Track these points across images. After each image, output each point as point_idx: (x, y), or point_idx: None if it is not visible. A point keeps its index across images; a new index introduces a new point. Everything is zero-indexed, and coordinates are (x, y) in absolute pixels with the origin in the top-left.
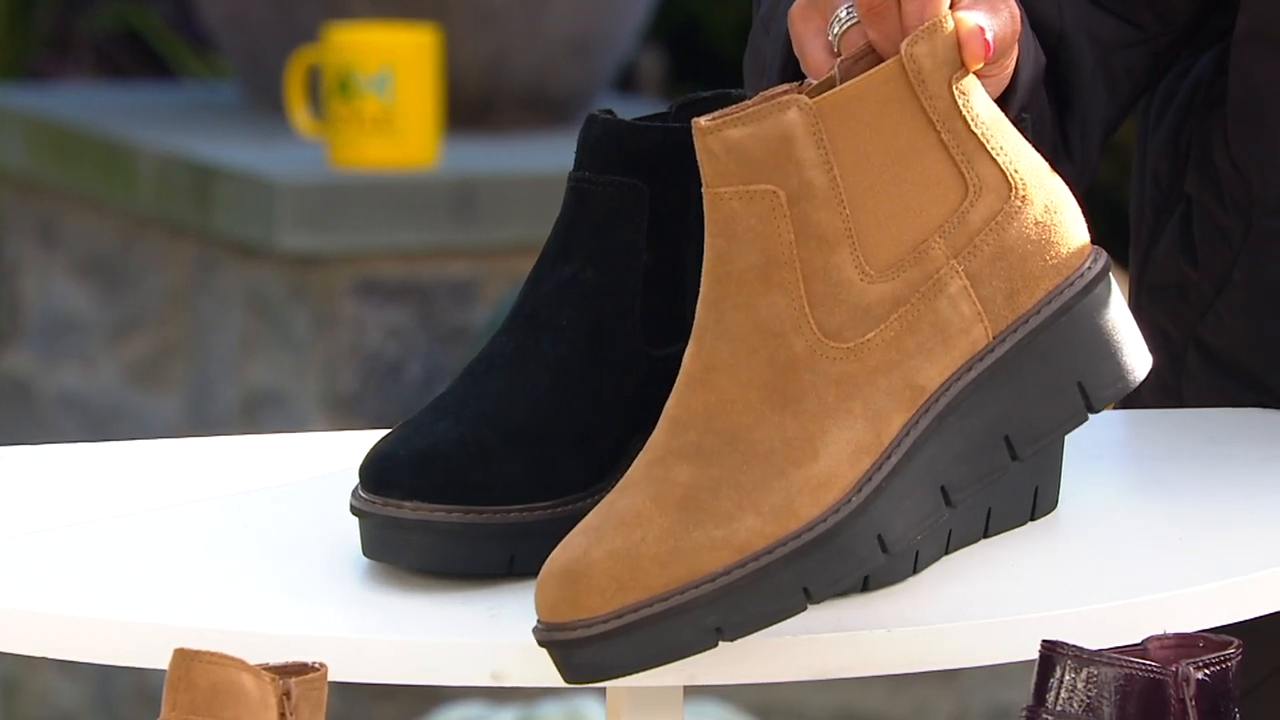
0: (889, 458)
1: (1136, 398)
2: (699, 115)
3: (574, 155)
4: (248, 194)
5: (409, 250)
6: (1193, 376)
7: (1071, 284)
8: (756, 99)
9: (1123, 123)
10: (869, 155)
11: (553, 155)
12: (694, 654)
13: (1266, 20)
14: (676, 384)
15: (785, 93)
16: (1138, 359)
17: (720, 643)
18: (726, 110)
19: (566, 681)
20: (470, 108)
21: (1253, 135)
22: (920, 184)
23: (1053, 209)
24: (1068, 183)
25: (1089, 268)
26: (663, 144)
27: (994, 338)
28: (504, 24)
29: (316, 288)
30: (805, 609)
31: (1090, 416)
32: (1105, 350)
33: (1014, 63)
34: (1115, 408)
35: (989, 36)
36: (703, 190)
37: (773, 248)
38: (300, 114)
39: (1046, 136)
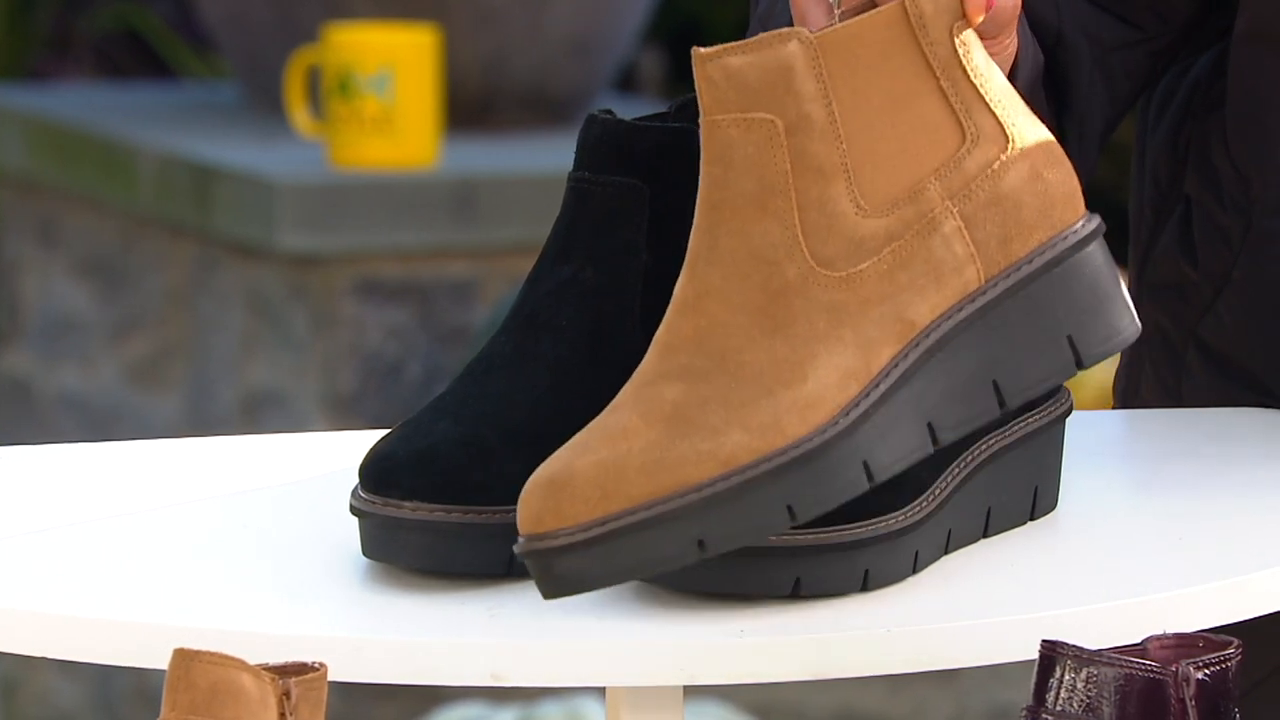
0: (877, 386)
1: (1136, 397)
2: (698, 115)
3: (574, 155)
4: (248, 194)
5: (409, 250)
6: (1192, 376)
7: (1065, 238)
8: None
9: (1120, 122)
10: (868, 95)
11: (552, 155)
12: (675, 566)
13: (1266, 21)
14: (668, 312)
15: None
16: (1127, 322)
17: (701, 557)
18: (729, 43)
19: (545, 595)
20: (470, 108)
21: (1252, 136)
22: (918, 127)
23: (1048, 165)
24: None
25: (1083, 225)
26: (662, 144)
27: (986, 280)
28: (504, 24)
29: (316, 288)
30: (788, 526)
31: (1078, 372)
32: (1096, 307)
33: (1015, 47)
34: (1115, 407)
35: None
36: (700, 120)
37: (768, 176)
38: (300, 114)
39: None
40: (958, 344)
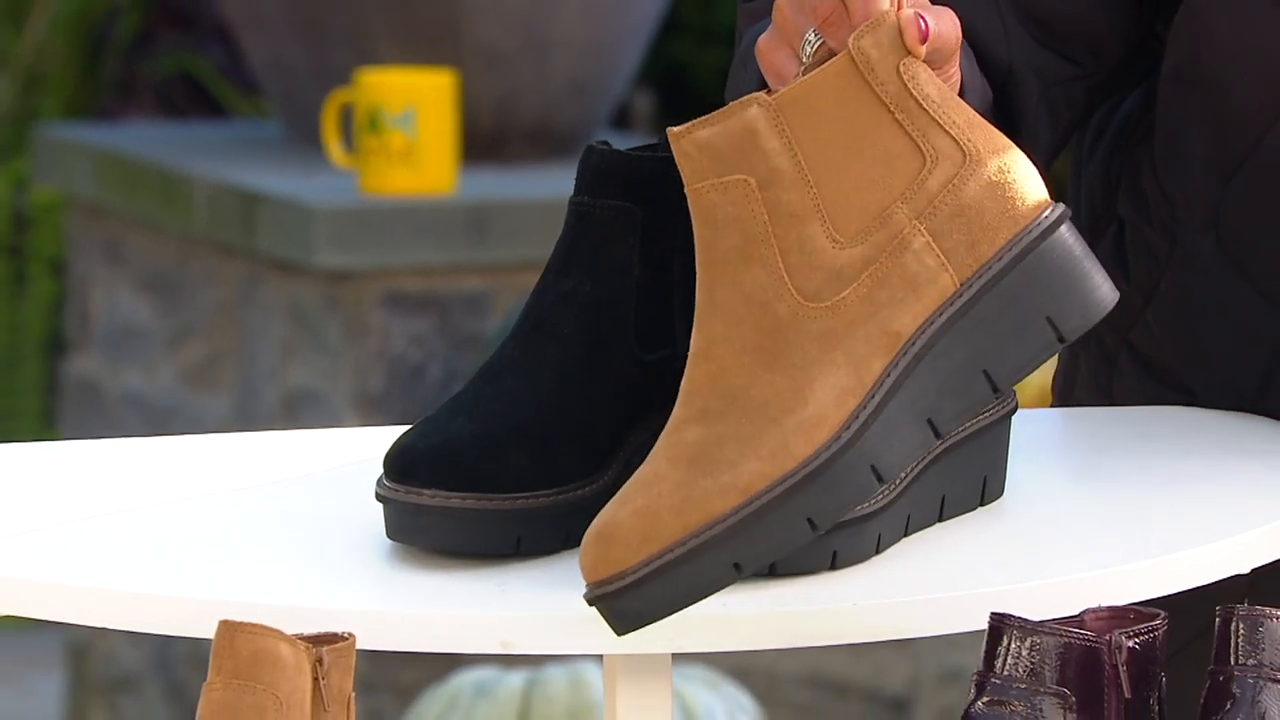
0: (873, 397)
1: (1072, 396)
2: None
3: (574, 182)
4: (288, 218)
5: (430, 267)
6: (1123, 377)
7: (1030, 231)
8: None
9: (1061, 151)
10: (830, 140)
11: (556, 183)
12: (720, 589)
13: (1188, 63)
14: (687, 364)
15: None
16: (1103, 292)
17: (741, 577)
18: (696, 118)
19: (616, 633)
20: (484, 142)
21: (1176, 164)
22: (880, 159)
23: (1006, 169)
24: None
25: (1047, 215)
26: (653, 172)
27: (961, 284)
28: (513, 68)
29: (348, 300)
30: (812, 538)
31: (1062, 347)
32: (1070, 286)
33: (959, 79)
34: (1053, 405)
35: (927, 22)
36: (685, 190)
37: (750, 228)
38: (334, 147)
39: None
40: (944, 344)
